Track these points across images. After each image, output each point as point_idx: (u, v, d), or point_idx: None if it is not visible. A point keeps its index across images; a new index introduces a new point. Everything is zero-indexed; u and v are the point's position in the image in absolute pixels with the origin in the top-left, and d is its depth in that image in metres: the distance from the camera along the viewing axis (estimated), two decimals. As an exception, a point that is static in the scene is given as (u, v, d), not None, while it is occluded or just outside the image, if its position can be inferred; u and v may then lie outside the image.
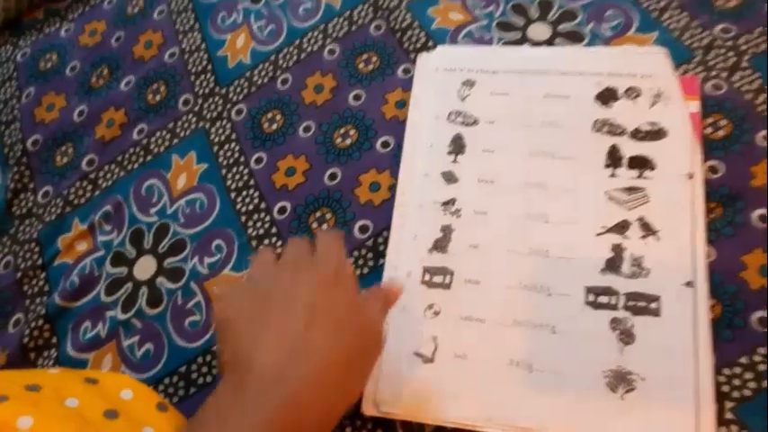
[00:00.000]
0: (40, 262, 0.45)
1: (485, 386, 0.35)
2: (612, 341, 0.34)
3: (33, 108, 0.52)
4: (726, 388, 0.33)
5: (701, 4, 0.44)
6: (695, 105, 0.40)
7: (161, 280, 0.43)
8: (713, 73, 0.42)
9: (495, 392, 0.34)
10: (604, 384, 0.33)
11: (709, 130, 0.40)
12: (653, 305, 0.35)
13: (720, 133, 0.40)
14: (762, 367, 0.33)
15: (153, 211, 0.46)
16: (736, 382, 0.33)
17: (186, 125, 0.49)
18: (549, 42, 0.45)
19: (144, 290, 0.43)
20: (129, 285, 0.43)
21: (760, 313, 0.34)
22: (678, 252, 0.36)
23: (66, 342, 0.42)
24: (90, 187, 0.48)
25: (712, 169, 0.39)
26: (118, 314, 0.42)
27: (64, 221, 0.47)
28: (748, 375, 0.33)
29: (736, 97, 0.41)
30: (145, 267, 0.44)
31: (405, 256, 0.39)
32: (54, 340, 0.43)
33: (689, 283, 0.35)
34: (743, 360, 0.33)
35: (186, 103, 0.49)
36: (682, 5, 0.45)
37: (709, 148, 0.39)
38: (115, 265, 0.44)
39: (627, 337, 0.34)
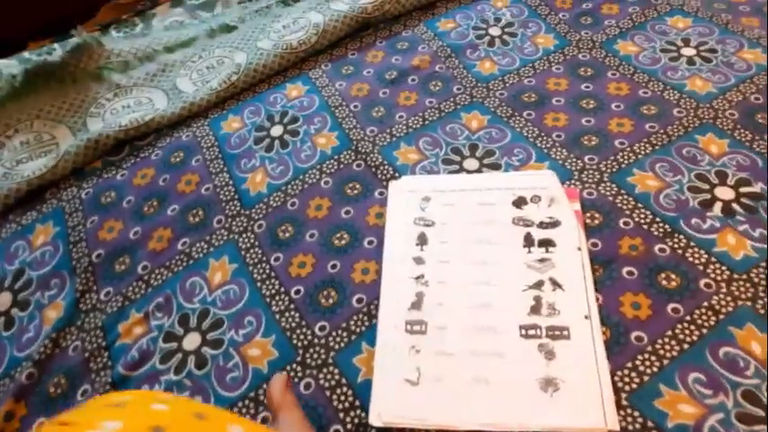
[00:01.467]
0: (104, 344, 0.57)
1: (457, 399, 0.48)
2: (540, 359, 0.49)
3: (97, 231, 0.67)
4: (620, 384, 0.48)
5: (574, 143, 0.67)
6: (577, 205, 0.61)
7: (205, 349, 0.56)
8: (586, 185, 0.63)
9: (464, 402, 0.48)
10: (538, 388, 0.48)
11: (588, 220, 0.60)
12: (565, 333, 0.51)
13: (596, 222, 0.60)
14: (641, 368, 0.49)
15: (196, 299, 0.60)
16: (626, 379, 0.48)
17: (220, 237, 0.65)
18: (478, 171, 0.67)
19: (192, 357, 0.55)
20: (180, 355, 0.55)
21: (635, 333, 0.51)
22: (577, 298, 0.53)
23: (125, 406, 0.53)
24: (144, 286, 0.61)
25: (593, 244, 0.58)
26: (171, 376, 0.54)
27: (123, 312, 0.59)
28: (633, 375, 0.49)
29: (602, 200, 0.61)
30: (191, 341, 0.56)
31: (391, 316, 0.54)
32: (113, 407, 0.53)
33: (587, 317, 0.51)
34: (629, 365, 0.49)
35: (219, 222, 0.66)
36: (562, 144, 0.68)
37: (590, 231, 0.59)
38: (167, 342, 0.57)
39: (550, 355, 0.50)
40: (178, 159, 0.73)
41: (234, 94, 0.81)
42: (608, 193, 0.62)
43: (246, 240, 0.64)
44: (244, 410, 0.51)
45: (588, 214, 0.60)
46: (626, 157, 0.65)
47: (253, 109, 0.79)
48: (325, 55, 0.85)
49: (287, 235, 0.64)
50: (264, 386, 0.52)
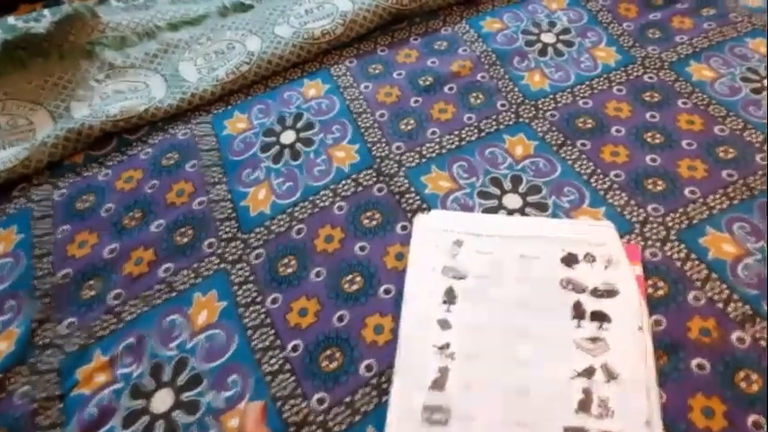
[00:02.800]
0: (58, 392, 0.48)
1: None
2: (589, 474, 0.40)
3: (66, 244, 0.57)
4: None
5: (636, 187, 0.57)
6: (639, 269, 0.50)
7: (178, 413, 0.46)
8: (649, 243, 0.53)
9: None
10: None
11: (651, 289, 0.50)
12: (619, 443, 0.41)
13: (660, 293, 0.49)
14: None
15: (173, 345, 0.50)
16: None
17: (209, 266, 0.55)
18: (521, 211, 0.56)
19: (160, 423, 0.46)
20: (146, 418, 0.46)
21: (706, 450, 0.41)
22: (637, 395, 0.43)
23: (78, 475, 0.44)
24: (114, 320, 0.52)
25: (656, 323, 0.48)
26: (136, 446, 0.45)
27: (85, 353, 0.50)
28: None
29: (669, 263, 0.51)
30: (162, 401, 0.47)
31: (406, 395, 0.44)
32: (65, 473, 0.45)
33: (647, 423, 0.42)
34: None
35: (210, 246, 0.56)
36: (621, 186, 0.57)
37: (652, 305, 0.49)
38: (133, 398, 0.47)
39: (601, 470, 0.40)
40: (171, 162, 0.63)
41: (243, 87, 0.70)
42: (675, 256, 0.51)
43: (240, 273, 0.54)
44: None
45: (651, 282, 0.50)
46: (698, 211, 0.54)
47: (263, 107, 0.68)
48: (350, 49, 0.74)
49: (289, 270, 0.54)
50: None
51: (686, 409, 0.43)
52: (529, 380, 0.44)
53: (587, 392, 0.43)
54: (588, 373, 0.44)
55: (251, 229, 0.57)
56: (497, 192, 0.58)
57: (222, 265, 0.55)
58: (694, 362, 0.45)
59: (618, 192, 0.57)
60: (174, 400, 0.47)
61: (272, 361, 0.48)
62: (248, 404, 0.43)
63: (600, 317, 0.47)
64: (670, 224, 0.54)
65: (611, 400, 0.43)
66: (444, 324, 0.48)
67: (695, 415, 0.43)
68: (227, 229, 0.57)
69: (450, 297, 0.50)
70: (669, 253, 0.52)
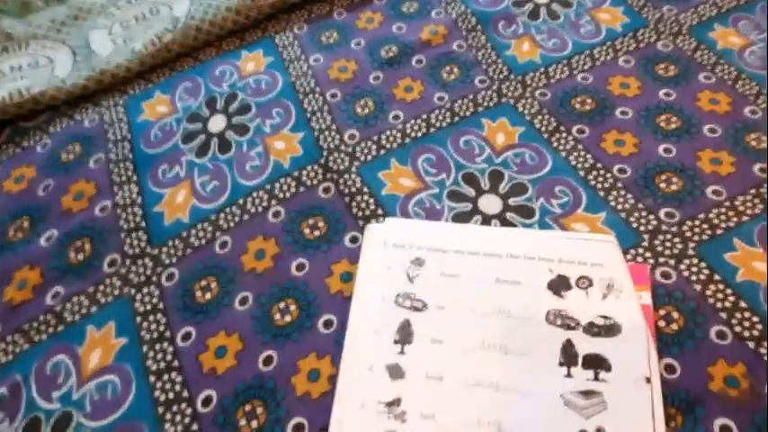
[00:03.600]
0: None
1: None
2: None
3: (-67, 263, 0.46)
4: None
5: (646, 185, 0.45)
6: (646, 296, 0.39)
7: (54, 488, 0.36)
8: (661, 260, 0.41)
9: None
10: None
11: (662, 323, 0.39)
12: None
13: (674, 327, 0.38)
14: None
15: (56, 395, 0.40)
16: None
17: (108, 290, 0.44)
18: (500, 217, 0.45)
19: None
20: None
21: None
22: (642, 473, 0.33)
23: None
24: (-15, 362, 0.41)
25: (668, 368, 0.37)
26: None
27: (-54, 406, 0.40)
28: None
29: (685, 287, 0.40)
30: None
31: (343, 471, 0.34)
32: None
33: None
34: None
35: (112, 264, 0.45)
36: (626, 185, 0.46)
37: (663, 343, 0.38)
38: (0, 466, 0.37)
39: None
40: (71, 157, 0.51)
41: (166, 62, 0.58)
42: (694, 278, 0.40)
43: (147, 299, 0.43)
44: None
45: (662, 312, 0.39)
46: (723, 219, 0.43)
47: (189, 86, 0.56)
48: (301, 13, 0.61)
49: (207, 296, 0.43)
50: None
51: (707, 490, 0.33)
52: (501, 452, 0.34)
53: (578, 469, 0.33)
54: (579, 441, 0.34)
55: (163, 241, 0.46)
56: (472, 192, 0.46)
57: (125, 290, 0.44)
58: (718, 423, 0.35)
59: (622, 192, 0.45)
60: (50, 472, 0.37)
61: (177, 419, 0.38)
62: None
63: (596, 363, 0.37)
64: (688, 235, 0.42)
65: (609, 480, 0.33)
66: (395, 371, 0.37)
67: (719, 499, 0.33)
68: (134, 243, 0.46)
69: (404, 335, 0.39)
70: (686, 273, 0.41)
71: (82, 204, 0.48)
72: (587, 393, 0.36)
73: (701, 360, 0.37)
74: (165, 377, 0.40)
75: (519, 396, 0.36)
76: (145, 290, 0.44)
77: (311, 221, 0.46)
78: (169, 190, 0.49)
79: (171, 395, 0.39)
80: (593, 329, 0.38)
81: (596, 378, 0.36)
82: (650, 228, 0.43)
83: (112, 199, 0.49)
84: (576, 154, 0.48)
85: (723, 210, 0.43)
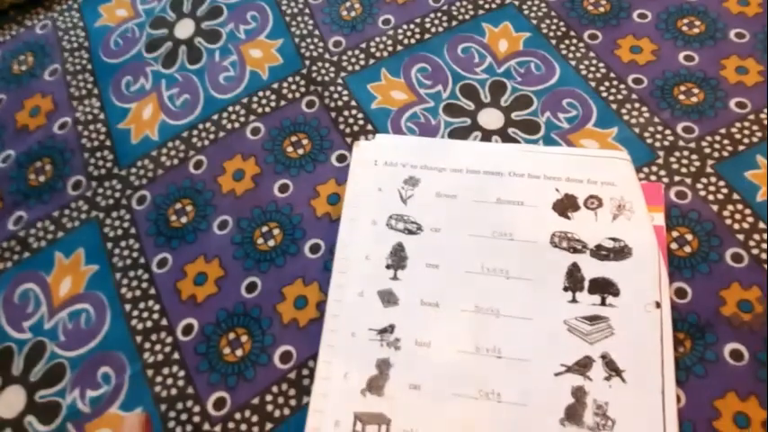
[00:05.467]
0: None
1: None
2: None
3: None
4: None
5: (663, 97, 0.41)
6: (659, 217, 0.36)
7: (30, 419, 0.34)
8: (677, 178, 0.38)
9: None
10: None
11: (674, 245, 0.36)
12: (620, 468, 0.30)
13: (687, 249, 0.36)
14: None
15: (27, 325, 0.37)
16: None
17: (75, 215, 0.40)
18: (502, 132, 0.41)
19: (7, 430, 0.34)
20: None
21: (737, 475, 0.30)
22: (646, 397, 0.31)
23: None
24: (-54, 292, 0.38)
25: (679, 293, 0.34)
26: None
27: None
28: None
29: (701, 208, 0.37)
30: (11, 402, 0.35)
31: (332, 399, 0.32)
32: None
33: (660, 439, 0.30)
34: None
35: (77, 186, 0.41)
36: (642, 97, 0.41)
37: (675, 266, 0.35)
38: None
39: None
40: (24, 68, 0.46)
41: (126, -43, 0.51)
42: (711, 198, 0.37)
43: (117, 224, 0.40)
44: None
45: (676, 234, 0.36)
46: (746, 133, 0.39)
47: (152, -14, 0.49)
48: None
49: (183, 220, 0.40)
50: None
51: (712, 414, 0.31)
52: (499, 379, 0.32)
53: (579, 395, 0.31)
54: (582, 367, 0.32)
55: (132, 162, 0.42)
56: (471, 106, 0.42)
57: (92, 214, 0.40)
58: (728, 348, 0.33)
59: (637, 105, 0.41)
60: (27, 402, 0.35)
61: (157, 348, 0.36)
62: (126, 416, 0.32)
63: (603, 287, 0.34)
64: (707, 151, 0.39)
65: (613, 405, 0.31)
66: (388, 298, 0.35)
67: (723, 423, 0.31)
68: (100, 163, 0.42)
69: (397, 259, 0.36)
70: (703, 193, 0.37)
71: (39, 121, 0.44)
72: (593, 319, 0.33)
73: (714, 284, 0.35)
74: (142, 305, 0.37)
75: (520, 322, 0.33)
76: (114, 214, 0.40)
77: (294, 139, 0.42)
78: (134, 105, 0.44)
79: (149, 324, 0.36)
80: (601, 252, 0.35)
81: (603, 303, 0.34)
82: (666, 144, 0.39)
83: (72, 115, 0.44)
84: (586, 62, 0.43)
85: (747, 124, 0.40)
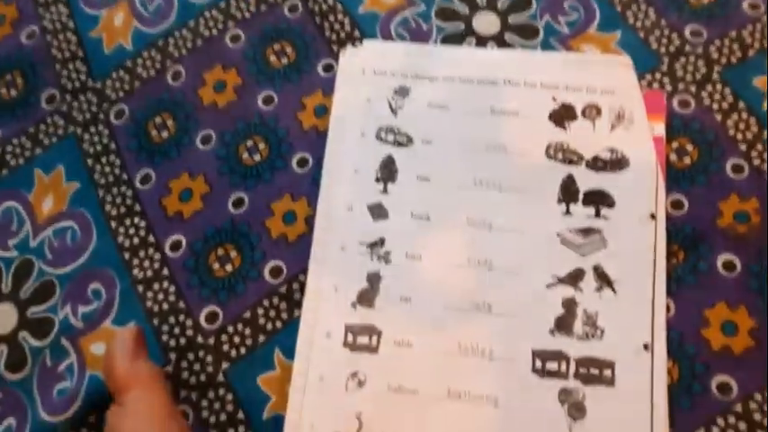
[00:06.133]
0: None
1: (416, 472, 0.30)
2: (561, 417, 0.30)
3: None
4: (681, 468, 0.30)
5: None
6: (659, 127, 0.35)
7: (24, 335, 0.35)
8: (680, 86, 0.36)
9: (428, 480, 0.30)
10: (549, 469, 0.29)
11: (673, 156, 0.35)
12: (606, 372, 0.30)
13: (686, 161, 0.35)
14: (719, 442, 0.30)
15: (12, 243, 0.36)
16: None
17: (51, 130, 0.39)
18: (498, 37, 0.38)
19: (3, 349, 0.34)
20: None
21: (721, 378, 0.31)
22: (636, 308, 0.31)
23: None
24: (-74, 212, 0.37)
25: (676, 204, 0.34)
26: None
27: None
28: (706, 449, 0.30)
29: (704, 117, 0.36)
30: (4, 319, 0.35)
31: (324, 312, 0.32)
32: None
33: (646, 346, 0.31)
34: (700, 433, 0.30)
35: (51, 100, 0.39)
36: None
37: (673, 178, 0.34)
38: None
39: (577, 411, 0.30)
40: (-18, -29, 0.42)
41: None
42: (716, 107, 0.36)
43: (96, 139, 0.38)
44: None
45: (676, 145, 0.35)
46: (758, 37, 0.37)
47: None
48: None
49: (164, 135, 0.38)
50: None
51: (700, 323, 0.32)
52: (490, 290, 0.32)
53: (569, 306, 0.32)
54: (574, 278, 0.32)
55: (107, 73, 0.39)
56: (465, 9, 0.39)
57: (70, 129, 0.39)
58: (721, 259, 0.33)
59: (643, 6, 0.38)
60: (19, 318, 0.35)
61: (146, 264, 0.35)
62: (119, 330, 0.32)
63: (598, 198, 0.33)
64: (714, 56, 0.37)
65: (602, 315, 0.31)
66: (378, 211, 0.34)
67: (711, 332, 0.31)
68: (73, 75, 0.40)
69: (387, 172, 0.35)
70: (707, 102, 0.36)
71: (4, 30, 0.41)
72: (586, 231, 0.33)
73: (712, 195, 0.34)
74: (128, 222, 0.36)
75: (513, 235, 0.33)
76: (92, 129, 0.38)
77: (277, 47, 0.39)
78: (105, 11, 0.41)
79: (136, 240, 0.36)
80: (597, 164, 0.34)
81: (597, 215, 0.33)
82: (672, 49, 0.37)
83: (39, 23, 0.41)
84: (592, -41, 0.40)
85: (759, 26, 0.37)
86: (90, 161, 0.38)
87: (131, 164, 0.37)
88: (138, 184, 0.37)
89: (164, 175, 0.37)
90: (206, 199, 0.36)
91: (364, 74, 0.37)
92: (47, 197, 0.37)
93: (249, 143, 0.37)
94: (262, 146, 0.37)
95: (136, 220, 0.36)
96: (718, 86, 0.36)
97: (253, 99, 0.38)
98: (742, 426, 0.30)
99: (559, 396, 0.30)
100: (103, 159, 0.38)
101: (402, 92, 0.36)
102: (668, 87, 0.36)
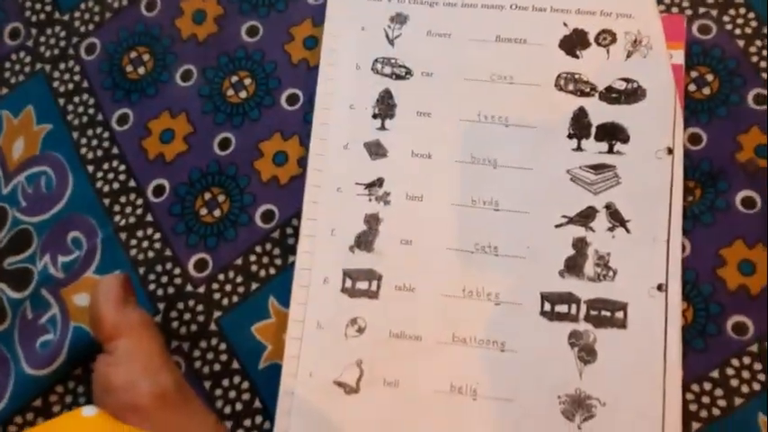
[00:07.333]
0: None
1: (421, 419, 0.29)
2: (571, 360, 0.29)
3: None
4: (693, 407, 0.29)
5: None
6: (678, 55, 0.32)
7: (1, 287, 0.33)
8: (702, 10, 0.33)
9: (433, 426, 0.28)
10: (559, 412, 0.28)
11: (692, 86, 0.32)
12: (618, 315, 0.29)
13: (705, 91, 0.32)
14: (734, 382, 0.29)
15: (-17, 200, 0.34)
16: (705, 399, 0.29)
17: (18, 68, 0.35)
18: (504, -40, 0.35)
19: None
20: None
21: (736, 318, 0.29)
22: (651, 247, 0.29)
23: None
24: None
25: (693, 138, 0.32)
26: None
27: None
28: (718, 392, 0.29)
29: (726, 44, 0.33)
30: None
31: (320, 257, 0.30)
32: None
33: (660, 287, 0.29)
34: (714, 374, 0.29)
35: (15, 34, 0.36)
36: None
37: (691, 110, 0.32)
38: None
39: (587, 354, 0.29)
40: None
41: None
42: (738, 32, 0.33)
43: (67, 77, 0.35)
44: (68, 398, 0.31)
45: (695, 74, 0.32)
46: (784, -47, 0.34)
47: None
48: None
49: (141, 71, 0.35)
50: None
51: (716, 263, 0.30)
52: (496, 231, 0.30)
53: (580, 246, 0.30)
54: (585, 217, 0.30)
55: (74, 4, 0.36)
56: (469, -73, 0.36)
57: (37, 66, 0.35)
58: (740, 196, 0.31)
59: None
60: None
61: (127, 210, 0.33)
62: (104, 278, 0.30)
63: (612, 133, 0.31)
64: (738, -23, 0.34)
65: (615, 256, 0.29)
66: (375, 149, 0.32)
67: (728, 271, 0.30)
68: (38, 7, 0.36)
69: (384, 107, 0.32)
70: (730, 27, 0.33)
71: (-43, -44, 0.37)
72: (598, 167, 0.31)
73: (732, 128, 0.32)
74: (106, 166, 0.34)
75: (520, 172, 0.31)
76: (62, 66, 0.35)
77: (262, -28, 0.36)
78: (70, -67, 0.37)
79: (115, 185, 0.33)
80: (611, 95, 0.31)
81: (610, 150, 0.31)
82: (693, -31, 0.34)
83: (-3, -53, 0.37)
84: None
85: (789, -59, 0.34)
86: (62, 101, 0.35)
87: (106, 103, 0.35)
88: (114, 125, 0.34)
89: (142, 114, 0.34)
90: (189, 140, 0.34)
91: (357, 0, 0.34)
92: (17, 141, 0.35)
93: (234, 79, 0.34)
94: (248, 81, 0.34)
95: (114, 163, 0.34)
96: (742, 10, 0.33)
97: (236, 30, 0.35)
98: (757, 366, 0.28)
99: (569, 339, 0.29)
100: (76, 99, 0.35)
101: (399, 19, 0.33)
102: (688, 12, 0.33)
